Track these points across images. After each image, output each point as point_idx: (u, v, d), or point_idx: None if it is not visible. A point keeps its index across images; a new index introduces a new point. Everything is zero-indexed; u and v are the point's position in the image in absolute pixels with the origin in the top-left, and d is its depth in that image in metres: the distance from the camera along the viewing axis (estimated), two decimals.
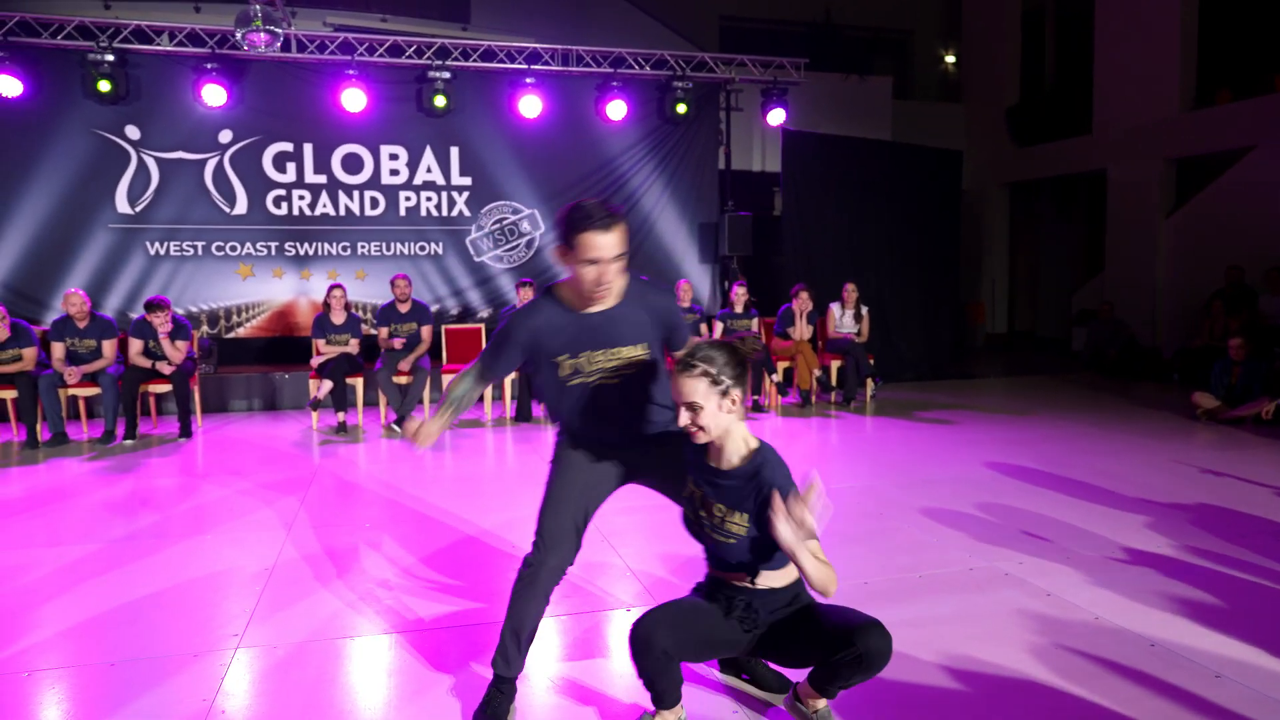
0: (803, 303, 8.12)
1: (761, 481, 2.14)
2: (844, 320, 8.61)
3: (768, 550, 2.17)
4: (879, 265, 9.90)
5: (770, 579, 2.25)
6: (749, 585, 2.25)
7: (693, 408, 2.12)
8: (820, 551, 2.08)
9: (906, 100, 14.32)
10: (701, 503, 2.29)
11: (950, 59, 15.95)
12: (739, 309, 8.15)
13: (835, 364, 8.51)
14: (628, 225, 2.29)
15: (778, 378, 8.05)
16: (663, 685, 2.24)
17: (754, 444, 2.21)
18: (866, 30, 14.57)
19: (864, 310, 8.68)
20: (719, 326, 7.95)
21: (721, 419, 2.14)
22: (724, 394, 2.12)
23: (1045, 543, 3.99)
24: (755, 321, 8.25)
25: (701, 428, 2.14)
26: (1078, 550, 3.88)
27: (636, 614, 3.21)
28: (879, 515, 4.46)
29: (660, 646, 2.15)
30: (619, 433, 2.46)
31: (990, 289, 14.66)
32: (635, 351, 2.39)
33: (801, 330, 8.15)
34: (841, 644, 2.10)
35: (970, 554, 3.83)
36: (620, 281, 2.34)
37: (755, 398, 7.90)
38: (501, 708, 2.45)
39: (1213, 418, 7.22)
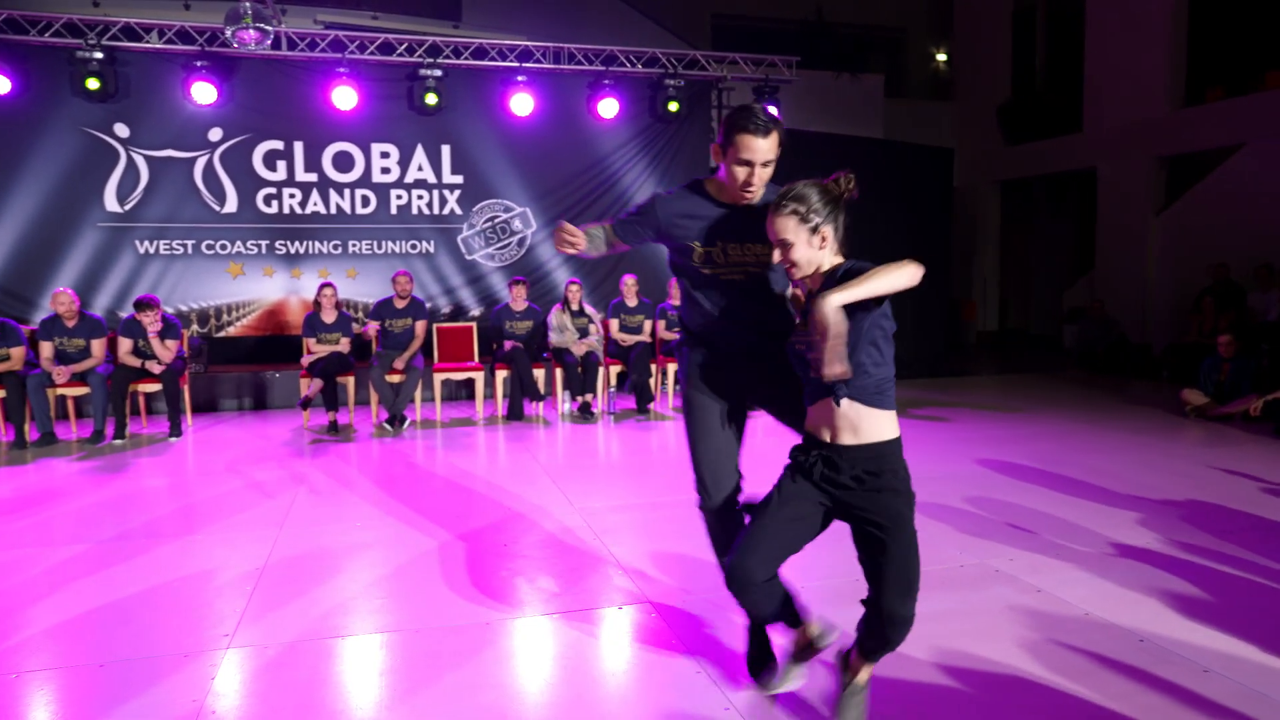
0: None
1: (841, 276, 2.15)
2: None
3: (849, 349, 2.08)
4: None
5: (852, 418, 2.15)
6: (834, 440, 2.18)
7: (784, 245, 2.18)
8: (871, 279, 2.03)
9: (898, 98, 14.36)
10: (799, 333, 2.25)
11: (941, 57, 15.99)
12: None
13: None
14: (782, 133, 2.36)
15: None
16: (774, 610, 2.33)
17: (840, 261, 2.23)
18: (858, 28, 14.59)
19: None
20: None
21: (813, 255, 2.19)
22: (814, 230, 2.16)
23: (1036, 539, 4.00)
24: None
25: (794, 263, 2.19)
26: (1068, 546, 3.90)
27: (629, 612, 3.22)
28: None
29: (759, 578, 2.23)
30: (745, 332, 2.49)
31: (981, 287, 14.70)
32: (769, 250, 2.37)
33: None
34: (875, 592, 2.21)
35: (962, 551, 3.84)
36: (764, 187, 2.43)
37: None
38: (764, 653, 2.60)
39: (1202, 414, 7.26)
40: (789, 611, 2.41)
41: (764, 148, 2.31)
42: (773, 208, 2.20)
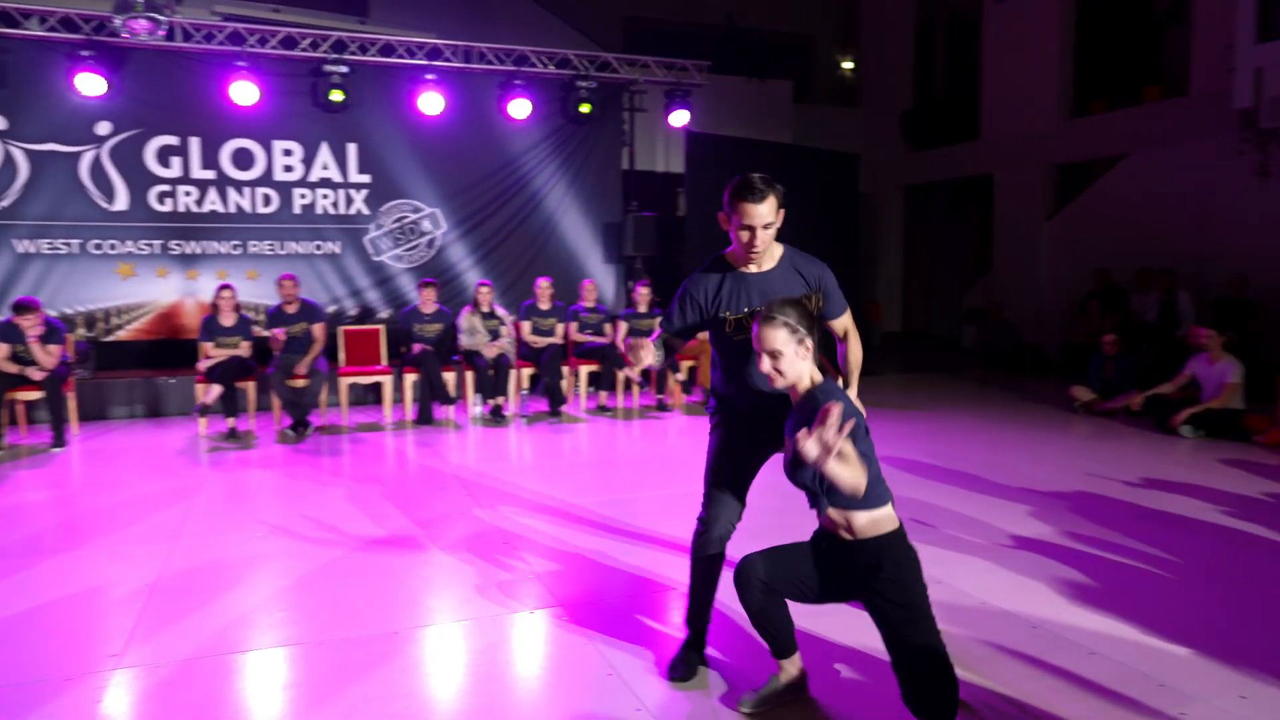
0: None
1: (816, 404, 2.30)
2: None
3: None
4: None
5: (842, 521, 2.37)
6: (836, 533, 2.40)
7: (774, 355, 2.35)
8: (852, 462, 2.20)
9: (806, 104, 14.67)
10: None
11: (848, 65, 16.43)
12: (643, 309, 8.19)
13: None
14: (779, 197, 2.56)
15: (681, 376, 8.16)
16: (771, 624, 2.44)
17: (818, 380, 2.42)
18: (768, 34, 14.85)
19: None
20: (623, 326, 7.96)
21: (798, 364, 2.38)
22: (800, 342, 2.36)
23: (936, 531, 4.15)
24: (658, 321, 8.30)
25: (781, 372, 2.37)
26: (966, 538, 4.05)
27: (541, 616, 3.19)
28: (779, 511, 4.54)
29: (757, 577, 2.40)
30: (773, 393, 2.59)
31: (886, 289, 15.16)
32: None
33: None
34: (904, 689, 2.35)
35: None
36: (777, 248, 2.69)
37: (660, 396, 7.96)
38: (691, 665, 2.72)
39: (1089, 410, 7.66)
40: (781, 634, 2.48)
41: (762, 212, 2.52)
42: (763, 320, 2.37)
